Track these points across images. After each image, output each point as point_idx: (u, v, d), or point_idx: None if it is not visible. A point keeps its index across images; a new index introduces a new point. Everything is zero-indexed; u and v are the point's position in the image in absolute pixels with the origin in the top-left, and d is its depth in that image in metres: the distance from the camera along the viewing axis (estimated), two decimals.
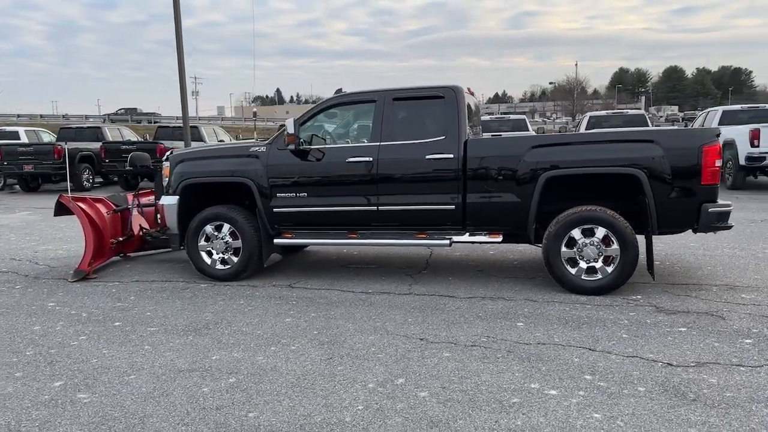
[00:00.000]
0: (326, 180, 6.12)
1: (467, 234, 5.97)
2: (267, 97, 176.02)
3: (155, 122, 51.57)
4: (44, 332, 4.92)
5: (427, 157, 5.86)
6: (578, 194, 5.78)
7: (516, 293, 5.72)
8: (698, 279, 6.08)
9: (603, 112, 19.24)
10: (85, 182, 18.13)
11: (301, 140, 6.15)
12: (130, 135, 21.54)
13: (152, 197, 7.86)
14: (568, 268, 5.59)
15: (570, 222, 5.53)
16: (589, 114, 18.61)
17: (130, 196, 7.77)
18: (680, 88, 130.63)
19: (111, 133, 20.53)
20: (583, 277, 5.56)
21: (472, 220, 5.86)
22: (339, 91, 7.94)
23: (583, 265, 5.55)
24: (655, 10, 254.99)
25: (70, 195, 6.95)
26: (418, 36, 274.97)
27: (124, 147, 17.76)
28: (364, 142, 6.18)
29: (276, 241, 6.41)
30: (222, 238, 6.41)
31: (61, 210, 6.99)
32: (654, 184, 5.33)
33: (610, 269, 5.49)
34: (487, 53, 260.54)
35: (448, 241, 5.92)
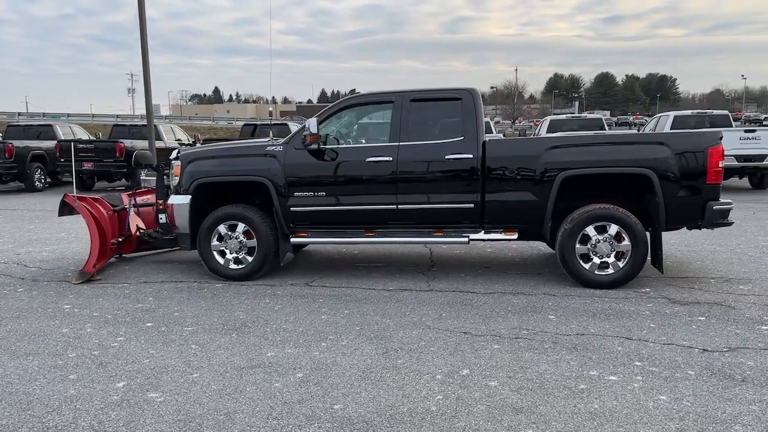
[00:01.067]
0: (346, 179, 6.19)
1: (483, 232, 6.17)
2: (205, 95, 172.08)
3: None
4: (76, 335, 4.79)
5: (447, 157, 6.02)
6: (588, 193, 6.07)
7: (532, 288, 5.96)
8: (694, 273, 6.49)
9: (562, 116, 20.14)
10: (36, 182, 17.37)
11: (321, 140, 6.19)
12: (82, 133, 20.77)
13: (148, 197, 7.71)
14: (582, 263, 5.87)
15: (585, 219, 5.81)
16: (549, 118, 19.41)
17: (125, 196, 7.58)
18: (611, 94, 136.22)
19: (62, 131, 19.73)
20: (596, 272, 5.85)
21: (490, 218, 6.07)
22: (353, 91, 7.99)
23: (596, 260, 5.85)
24: (585, 18, 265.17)
25: (75, 195, 6.73)
26: (356, 37, 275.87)
27: (81, 146, 17.12)
28: (382, 142, 6.28)
29: (292, 239, 6.42)
30: (236, 238, 6.37)
31: (64, 210, 6.77)
32: (664, 183, 5.69)
33: (621, 264, 5.81)
34: (425, 56, 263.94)
35: (466, 239, 6.10)
